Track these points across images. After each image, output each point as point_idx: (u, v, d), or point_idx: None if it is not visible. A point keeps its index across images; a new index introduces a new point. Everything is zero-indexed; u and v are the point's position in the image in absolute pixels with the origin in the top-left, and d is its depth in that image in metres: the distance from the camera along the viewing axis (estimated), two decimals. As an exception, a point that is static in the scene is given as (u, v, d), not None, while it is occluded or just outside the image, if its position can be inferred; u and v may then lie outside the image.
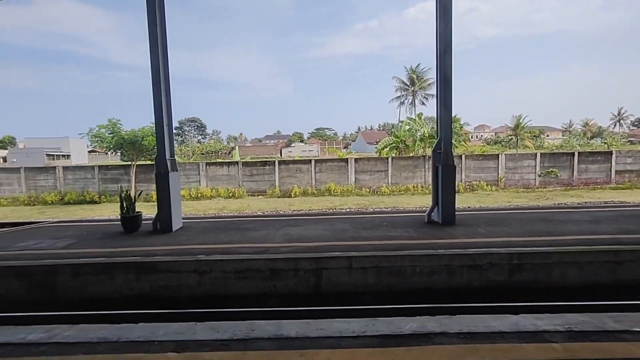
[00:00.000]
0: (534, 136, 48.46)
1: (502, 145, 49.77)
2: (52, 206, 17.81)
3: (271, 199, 17.85)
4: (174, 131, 7.67)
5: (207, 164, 19.96)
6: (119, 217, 7.29)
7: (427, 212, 7.27)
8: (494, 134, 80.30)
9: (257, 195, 19.04)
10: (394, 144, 24.13)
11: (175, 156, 7.52)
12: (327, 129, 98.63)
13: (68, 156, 53.77)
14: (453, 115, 7.20)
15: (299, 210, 13.52)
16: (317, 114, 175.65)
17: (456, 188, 7.82)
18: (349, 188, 18.82)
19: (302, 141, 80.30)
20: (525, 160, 19.82)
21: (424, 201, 15.02)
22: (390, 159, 19.70)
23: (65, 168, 20.12)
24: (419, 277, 4.98)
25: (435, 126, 8.52)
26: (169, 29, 7.13)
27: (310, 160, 19.82)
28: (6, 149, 59.27)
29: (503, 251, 4.99)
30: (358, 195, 18.30)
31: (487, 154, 21.57)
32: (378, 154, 25.12)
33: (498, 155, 20.05)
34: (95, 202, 18.37)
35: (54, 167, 20.13)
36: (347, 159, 20.01)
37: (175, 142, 7.65)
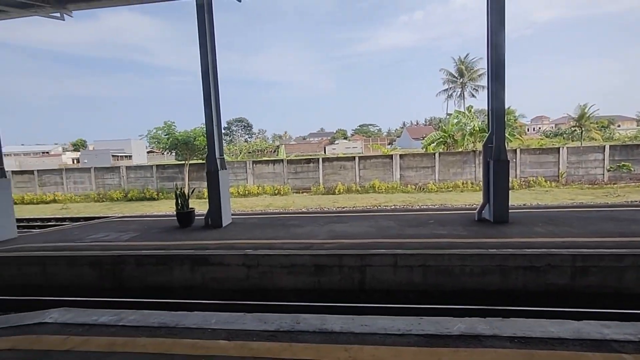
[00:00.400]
0: (602, 127, 43.71)
1: (563, 138, 45.67)
2: (118, 202, 19.57)
3: (315, 196, 18.05)
4: (223, 131, 8.04)
5: (253, 162, 20.68)
6: (175, 212, 7.82)
7: (477, 209, 6.91)
8: (554, 125, 73.86)
9: (302, 192, 19.35)
10: (441, 139, 23.19)
11: (224, 155, 7.89)
12: (371, 125, 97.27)
13: (130, 156, 58.63)
14: (506, 106, 6.76)
15: (343, 207, 13.53)
16: (360, 111, 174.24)
17: (510, 184, 7.34)
18: (394, 185, 18.45)
19: (345, 138, 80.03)
20: (591, 154, 18.02)
21: (474, 198, 14.28)
22: (437, 155, 18.98)
23: (127, 168, 22.00)
24: (469, 277, 4.76)
25: (486, 119, 8.05)
26: (216, 34, 7.49)
27: (354, 157, 19.72)
28: (79, 151, 66.04)
29: (565, 252, 4.60)
30: (403, 192, 17.88)
31: (545, 148, 19.94)
32: (424, 149, 24.30)
33: (559, 148, 18.44)
34: (154, 199, 19.86)
35: (119, 167, 22.10)
36: (392, 155, 19.60)
37: (224, 141, 8.03)
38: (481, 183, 7.35)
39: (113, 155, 54.06)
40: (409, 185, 18.38)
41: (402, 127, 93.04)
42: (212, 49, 7.37)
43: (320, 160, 19.71)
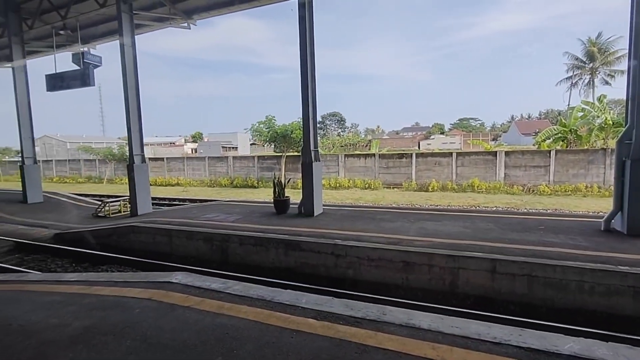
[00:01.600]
0: None
1: None
2: (225, 188, 22.11)
3: (407, 192, 17.51)
4: (318, 125, 8.37)
5: (345, 155, 21.03)
6: (272, 200, 8.50)
7: (604, 217, 5.83)
8: None
9: (393, 187, 18.97)
10: (560, 135, 20.00)
11: (318, 148, 8.23)
12: (472, 119, 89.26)
13: (236, 148, 65.33)
14: (654, 94, 5.49)
15: (437, 205, 12.85)
16: (460, 104, 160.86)
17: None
18: (497, 185, 16.71)
19: (442, 133, 75.20)
20: None
21: (601, 205, 12.03)
22: (553, 152, 16.49)
23: (234, 158, 24.63)
24: (589, 297, 4.08)
25: (623, 111, 6.66)
26: (315, 31, 7.78)
27: (450, 153, 18.47)
28: (196, 142, 76.27)
29: None
30: (508, 193, 16.07)
31: None
32: (537, 146, 21.32)
33: None
34: (255, 187, 21.85)
35: (227, 157, 24.91)
36: (496, 151, 17.75)
37: (318, 135, 8.36)
38: (612, 187, 6.16)
39: (222, 147, 60.98)
40: (514, 186, 16.43)
41: (509, 121, 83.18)
42: (310, 47, 7.70)
43: (414, 156, 18.98)
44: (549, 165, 16.30)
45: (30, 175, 12.09)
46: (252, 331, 2.47)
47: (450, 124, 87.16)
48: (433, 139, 63.30)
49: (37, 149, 13.24)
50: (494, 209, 11.80)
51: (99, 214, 9.46)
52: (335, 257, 5.47)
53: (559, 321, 3.82)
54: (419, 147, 54.99)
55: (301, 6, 7.55)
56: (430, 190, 17.49)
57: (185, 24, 10.58)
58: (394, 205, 12.98)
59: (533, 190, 16.02)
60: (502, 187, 16.54)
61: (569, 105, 42.31)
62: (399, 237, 5.59)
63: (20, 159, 12.33)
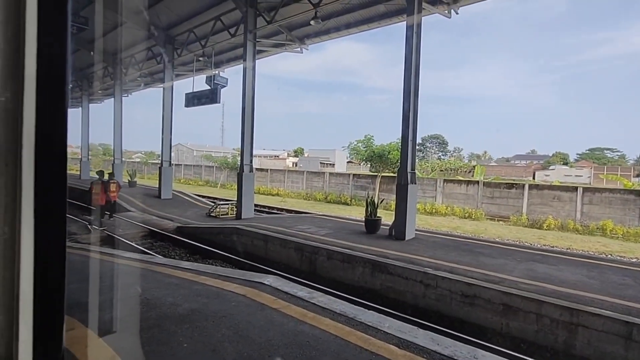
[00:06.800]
0: None
1: None
2: (319, 202, 22.96)
3: (514, 227, 15.52)
4: (417, 147, 8.13)
5: (444, 180, 19.82)
6: (363, 218, 8.50)
7: None
8: None
9: (497, 220, 17.04)
10: None
11: (415, 170, 7.97)
12: (607, 149, 74.55)
13: (333, 164, 67.56)
14: None
15: (552, 246, 11.05)
16: (592, 130, 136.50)
17: None
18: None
19: (565, 163, 64.79)
20: None
21: None
22: None
23: (330, 174, 25.51)
24: None
25: None
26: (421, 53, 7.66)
27: (575, 188, 15.78)
28: (297, 157, 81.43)
29: None
30: (655, 243, 12.87)
31: None
32: None
33: None
34: (347, 204, 22.13)
35: (323, 173, 25.97)
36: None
37: (416, 157, 8.11)
38: None
39: (320, 162, 63.77)
40: (667, 236, 13.07)
41: (664, 155, 67.02)
42: (415, 68, 7.62)
43: (526, 187, 16.79)
44: None
45: (165, 175, 14.62)
46: (332, 345, 2.49)
47: (577, 154, 74.42)
48: (553, 169, 55.10)
49: (172, 154, 15.98)
50: (634, 260, 9.58)
51: (211, 214, 10.83)
52: (424, 286, 5.16)
53: None
54: (533, 178, 48.42)
55: (409, 27, 7.57)
56: (544, 228, 15.14)
57: (298, 49, 11.60)
58: (497, 239, 11.62)
59: (696, 244, 12.48)
60: (647, 235, 13.34)
61: None
62: (500, 275, 4.99)
63: (159, 162, 15.04)
